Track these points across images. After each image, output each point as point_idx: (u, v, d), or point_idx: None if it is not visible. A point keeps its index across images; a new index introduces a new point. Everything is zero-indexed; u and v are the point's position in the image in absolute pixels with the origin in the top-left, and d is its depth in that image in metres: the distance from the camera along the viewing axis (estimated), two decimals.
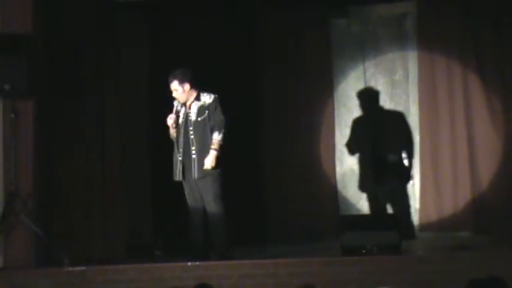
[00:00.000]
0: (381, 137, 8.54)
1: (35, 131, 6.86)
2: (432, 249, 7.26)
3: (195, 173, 6.57)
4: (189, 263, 6.38)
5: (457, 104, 8.44)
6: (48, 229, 6.79)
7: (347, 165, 8.92)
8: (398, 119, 8.68)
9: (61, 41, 7.14)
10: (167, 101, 8.56)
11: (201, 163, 6.54)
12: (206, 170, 6.53)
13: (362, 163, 8.69)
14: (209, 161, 6.52)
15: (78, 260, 6.58)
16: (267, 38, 8.97)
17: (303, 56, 8.94)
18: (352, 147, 8.70)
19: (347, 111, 8.97)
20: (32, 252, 6.72)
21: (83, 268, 6.44)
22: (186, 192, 6.71)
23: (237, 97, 8.00)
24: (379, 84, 8.92)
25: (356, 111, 8.93)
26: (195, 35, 8.61)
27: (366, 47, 8.99)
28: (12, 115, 6.73)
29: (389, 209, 8.44)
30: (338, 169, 8.87)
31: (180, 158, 6.62)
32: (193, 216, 6.65)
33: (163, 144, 8.62)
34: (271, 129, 8.87)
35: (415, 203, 8.54)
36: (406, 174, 8.12)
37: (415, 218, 8.46)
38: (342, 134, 8.93)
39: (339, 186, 8.86)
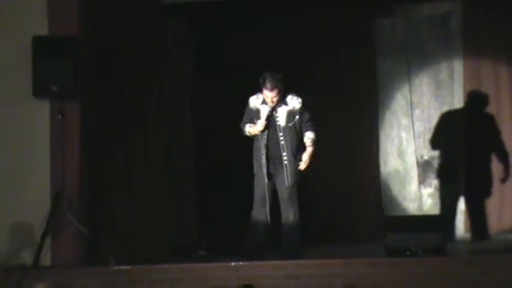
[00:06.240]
0: (471, 137, 8.03)
1: (81, 132, 6.95)
2: (478, 251, 7.18)
3: (289, 180, 6.50)
4: (233, 263, 6.40)
5: (503, 104, 8.33)
6: (94, 228, 6.87)
7: (391, 166, 8.86)
8: (490, 122, 8.02)
9: (107, 43, 7.21)
10: (212, 103, 8.65)
11: (292, 170, 6.49)
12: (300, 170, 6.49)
13: (446, 160, 8.31)
14: (307, 159, 6.49)
15: (123, 259, 6.65)
16: (310, 36, 8.94)
17: (346, 56, 8.90)
18: (436, 141, 8.28)
19: (391, 112, 8.91)
20: (78, 252, 6.80)
21: (128, 267, 6.50)
22: (258, 191, 6.55)
23: None
24: (424, 84, 8.84)
25: (400, 112, 8.86)
26: (239, 37, 8.64)
27: (410, 46, 8.92)
28: (60, 116, 6.82)
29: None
30: (382, 170, 8.82)
31: (264, 162, 6.49)
32: (257, 216, 6.56)
33: (208, 145, 8.71)
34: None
35: (461, 204, 8.42)
36: (489, 179, 7.85)
37: (461, 219, 8.35)
38: (386, 134, 8.87)
39: (383, 187, 8.81)
